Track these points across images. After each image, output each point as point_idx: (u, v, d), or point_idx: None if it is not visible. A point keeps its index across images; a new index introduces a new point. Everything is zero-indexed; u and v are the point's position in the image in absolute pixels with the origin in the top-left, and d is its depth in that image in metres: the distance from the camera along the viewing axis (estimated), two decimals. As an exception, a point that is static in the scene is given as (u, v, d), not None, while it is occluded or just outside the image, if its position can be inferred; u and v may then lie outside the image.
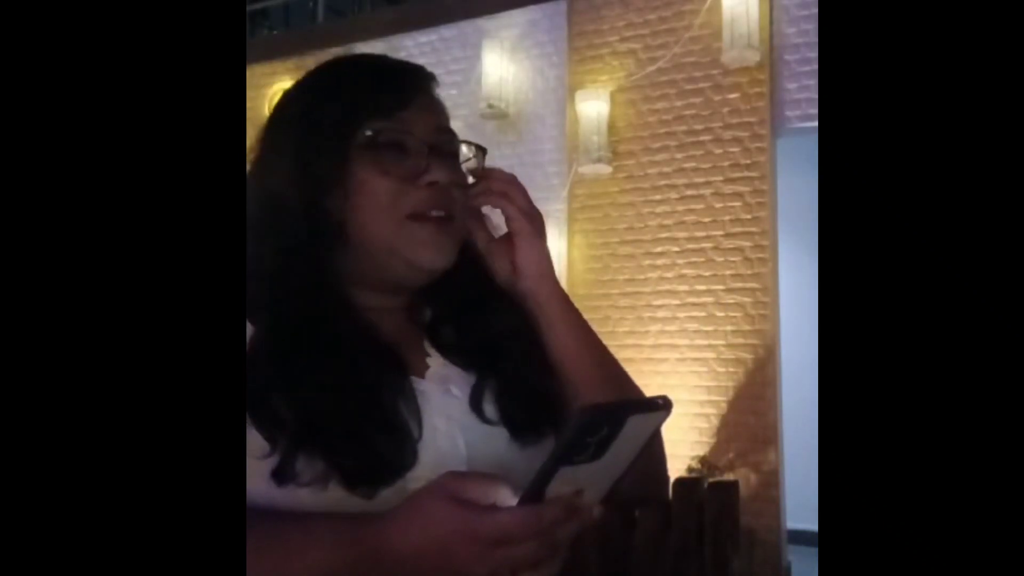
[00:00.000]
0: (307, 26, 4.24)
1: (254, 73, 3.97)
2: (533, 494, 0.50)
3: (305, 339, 0.59)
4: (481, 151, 0.70)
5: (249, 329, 0.59)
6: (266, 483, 0.55)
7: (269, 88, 3.87)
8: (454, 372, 0.67)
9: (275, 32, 4.71)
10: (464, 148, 0.69)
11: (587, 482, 0.51)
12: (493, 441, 0.64)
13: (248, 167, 0.67)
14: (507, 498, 0.50)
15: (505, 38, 3.03)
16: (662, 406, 0.52)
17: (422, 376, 0.66)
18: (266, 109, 3.83)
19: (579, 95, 2.81)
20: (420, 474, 0.57)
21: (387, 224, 0.63)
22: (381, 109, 0.64)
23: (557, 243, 2.83)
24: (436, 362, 0.67)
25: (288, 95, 0.70)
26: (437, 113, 0.68)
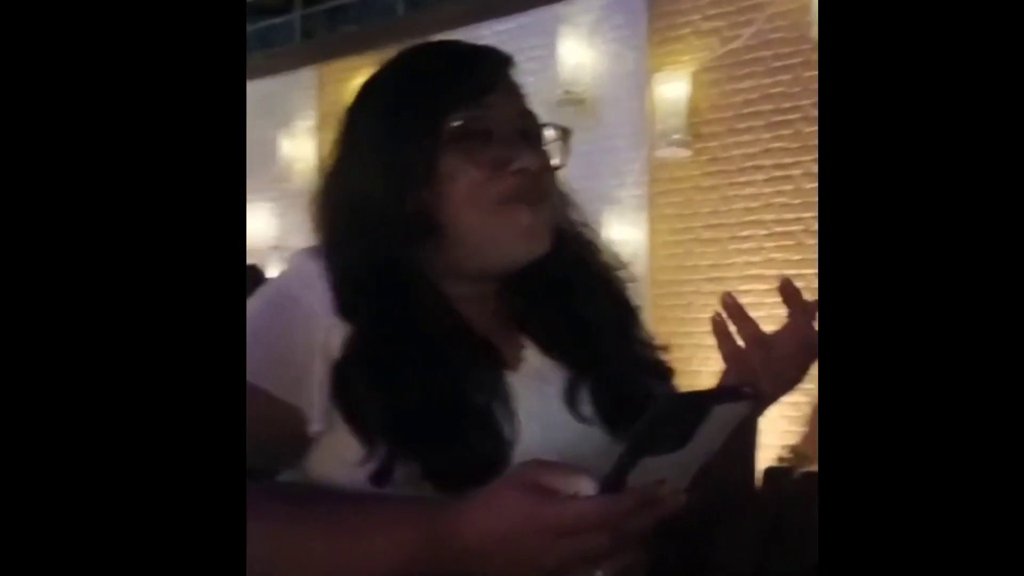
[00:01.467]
0: (384, 20, 4.32)
1: (333, 69, 4.08)
2: (612, 484, 0.48)
3: (400, 339, 0.59)
4: (565, 133, 0.68)
5: (345, 330, 0.59)
6: (364, 485, 0.55)
7: (349, 83, 3.97)
8: (549, 366, 0.65)
9: (354, 28, 4.82)
10: (549, 131, 0.67)
11: (669, 472, 0.49)
12: (590, 441, 0.62)
13: (328, 164, 0.67)
14: (588, 488, 0.49)
15: (582, 23, 2.99)
16: (748, 395, 0.50)
17: (516, 370, 0.64)
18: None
19: (658, 77, 2.75)
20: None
21: (479, 214, 0.62)
22: (466, 95, 0.63)
23: (637, 230, 2.79)
24: (531, 354, 0.65)
25: (368, 87, 0.69)
26: (520, 96, 0.67)
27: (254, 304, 0.61)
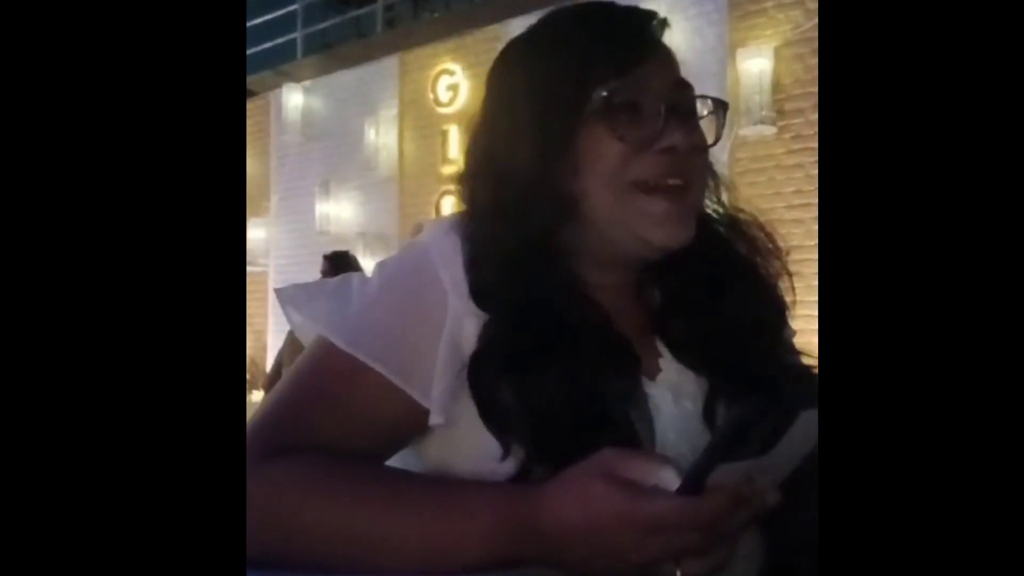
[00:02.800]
0: (465, 6, 4.36)
1: (417, 56, 4.15)
2: (691, 486, 0.46)
3: (538, 332, 0.54)
4: (721, 107, 0.60)
5: (481, 319, 0.54)
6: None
7: (432, 70, 4.03)
8: (687, 377, 0.59)
9: (436, 15, 4.87)
10: (702, 105, 0.59)
11: (755, 476, 0.47)
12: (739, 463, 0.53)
13: (474, 130, 0.61)
14: (670, 481, 0.47)
15: (662, 1, 2.94)
16: None
17: (653, 379, 0.58)
18: (429, 91, 4.00)
19: (740, 53, 2.68)
20: None
21: (617, 194, 0.55)
22: (616, 66, 0.56)
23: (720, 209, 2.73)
24: (668, 363, 0.59)
25: (511, 55, 0.61)
26: (675, 65, 0.59)
27: (381, 275, 0.57)
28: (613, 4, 0.61)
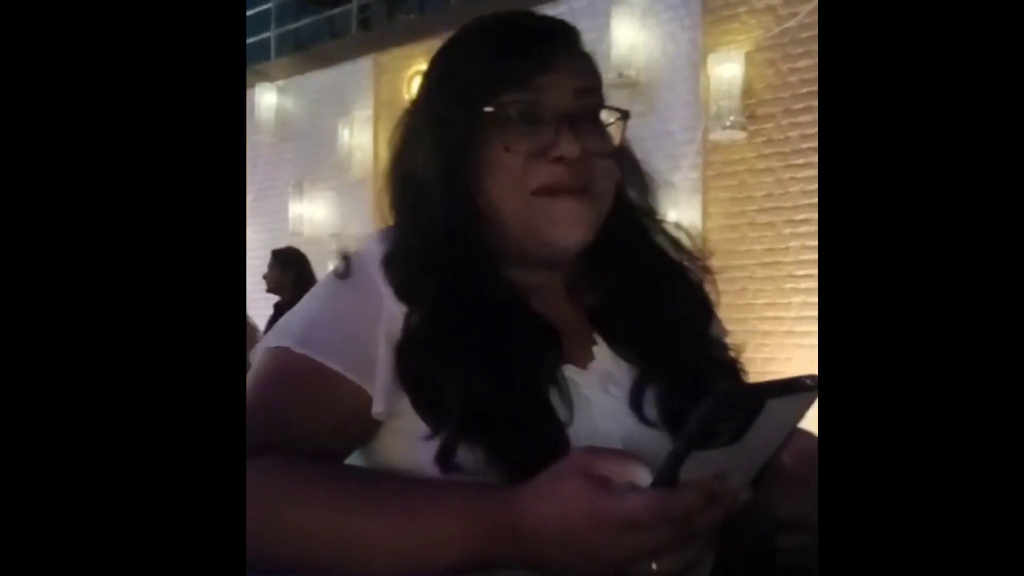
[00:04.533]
0: (440, 8, 4.35)
1: (392, 57, 4.13)
2: (664, 479, 0.47)
3: (463, 321, 0.57)
4: (623, 115, 0.64)
5: (406, 311, 0.58)
6: (429, 465, 0.54)
7: (407, 72, 4.02)
8: (618, 366, 0.62)
9: (410, 16, 4.86)
10: (604, 113, 0.63)
11: (727, 467, 0.48)
12: (657, 445, 0.58)
13: (392, 142, 0.65)
14: (642, 477, 0.47)
15: (635, 4, 2.97)
16: (809, 386, 0.47)
17: (584, 367, 0.61)
18: (403, 92, 3.99)
19: (712, 58, 2.71)
20: None
21: (516, 201, 0.59)
22: (514, 76, 0.60)
23: (691, 213, 2.76)
24: (601, 352, 0.62)
25: (430, 65, 0.65)
26: (580, 74, 0.62)
27: (324, 282, 0.62)
28: (526, 14, 0.65)
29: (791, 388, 0.47)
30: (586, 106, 0.61)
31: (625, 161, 0.66)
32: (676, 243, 0.67)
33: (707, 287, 0.68)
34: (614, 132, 0.64)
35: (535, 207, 0.59)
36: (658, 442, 0.58)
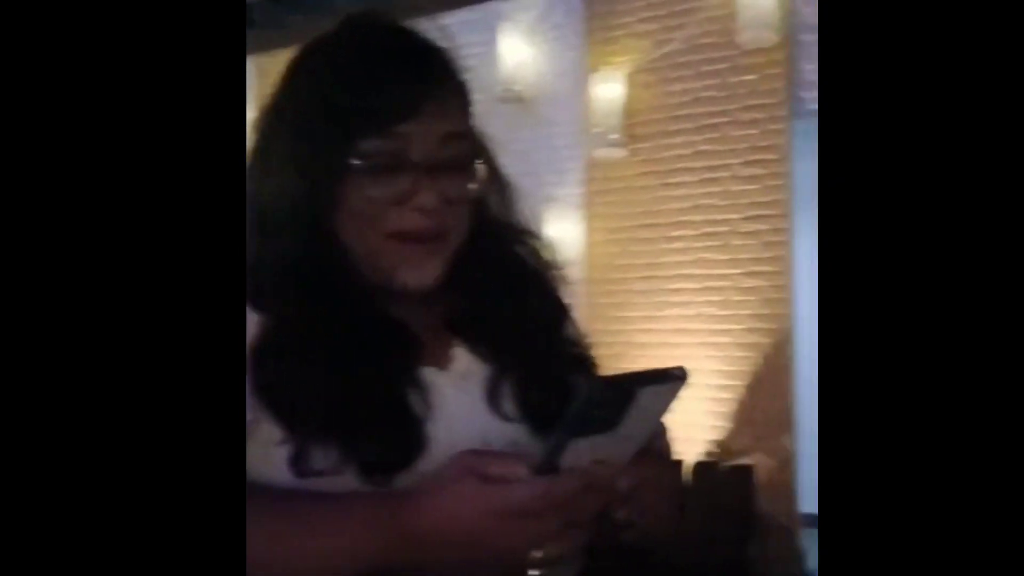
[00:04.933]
0: (327, 11, 4.24)
1: (275, 61, 3.98)
2: (545, 467, 0.50)
3: (317, 326, 0.58)
4: (488, 163, 0.66)
5: (254, 317, 0.58)
6: (287, 471, 0.55)
7: (286, 73, 3.87)
8: (477, 366, 0.65)
9: (297, 17, 4.70)
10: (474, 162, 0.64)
11: (605, 454, 0.51)
12: (514, 438, 0.63)
13: (249, 155, 0.65)
14: (524, 472, 0.50)
15: (522, 20, 3.01)
16: (677, 376, 0.51)
17: (445, 368, 0.64)
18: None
19: (595, 77, 2.79)
20: (433, 471, 0.56)
21: (370, 242, 0.61)
22: (379, 124, 0.59)
23: (574, 228, 2.83)
24: (460, 353, 0.65)
25: (291, 70, 0.66)
26: (448, 119, 0.63)
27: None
28: (401, 37, 0.65)
29: (661, 378, 0.51)
30: (452, 153, 0.62)
31: (490, 173, 0.68)
32: (536, 253, 0.71)
33: (564, 292, 0.72)
34: (479, 175, 0.65)
35: (387, 249, 0.60)
36: (516, 436, 0.62)
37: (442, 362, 0.64)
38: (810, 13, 2.53)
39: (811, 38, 2.52)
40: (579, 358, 0.71)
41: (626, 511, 0.55)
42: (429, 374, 0.62)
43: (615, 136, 2.73)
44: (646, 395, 0.50)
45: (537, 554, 0.51)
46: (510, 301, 0.67)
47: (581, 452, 0.50)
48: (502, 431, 0.63)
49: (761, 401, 2.54)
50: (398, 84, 0.60)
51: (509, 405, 0.64)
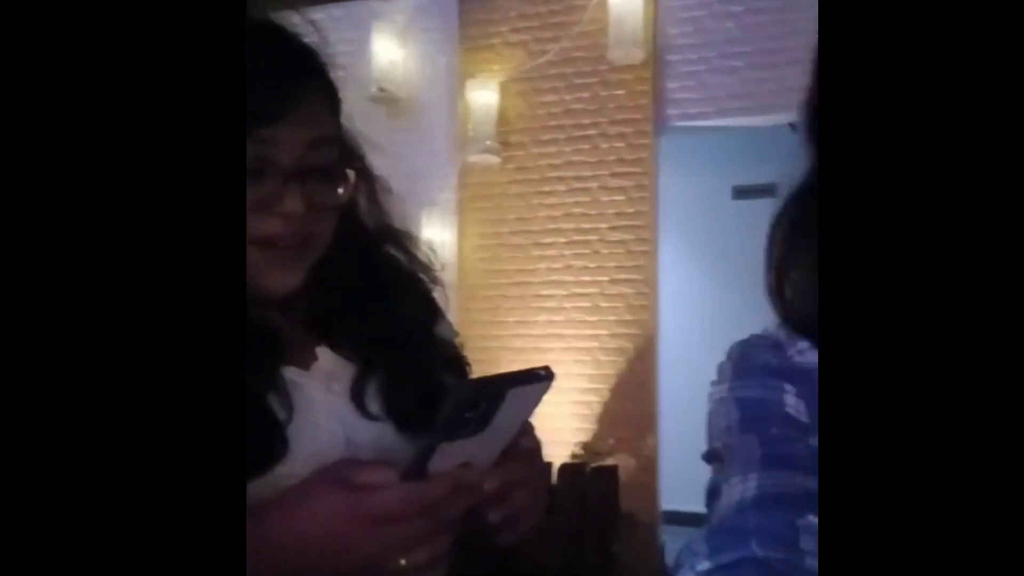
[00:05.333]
0: None
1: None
2: (414, 472, 0.50)
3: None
4: (360, 171, 0.66)
5: None
6: None
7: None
8: (341, 366, 0.65)
9: None
10: (343, 168, 0.64)
11: (471, 456, 0.52)
12: (379, 437, 0.63)
13: None
14: (391, 478, 0.50)
15: (396, 21, 2.97)
16: (544, 376, 0.52)
17: (308, 368, 0.64)
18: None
19: (469, 84, 2.80)
20: (297, 470, 0.56)
21: None
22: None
23: (447, 233, 2.82)
24: (324, 353, 0.65)
25: None
26: (315, 125, 0.61)
27: None
28: (272, 40, 0.62)
29: (529, 378, 0.52)
30: (319, 158, 0.61)
31: (361, 175, 0.67)
32: (410, 255, 0.71)
33: (437, 294, 0.72)
34: (351, 181, 0.64)
35: (250, 255, 0.59)
36: (383, 434, 0.63)
37: (306, 362, 0.64)
38: (676, 35, 2.67)
39: (676, 58, 2.66)
40: (451, 359, 0.71)
41: (497, 513, 0.56)
42: (292, 374, 0.61)
43: (489, 143, 2.75)
44: (514, 396, 0.51)
45: (403, 561, 0.50)
46: (378, 302, 0.67)
47: (449, 455, 0.50)
48: (367, 430, 0.63)
49: (626, 403, 2.64)
50: (264, 86, 0.58)
51: (374, 404, 0.64)
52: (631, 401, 2.64)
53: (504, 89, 2.81)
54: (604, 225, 2.70)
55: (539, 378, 0.53)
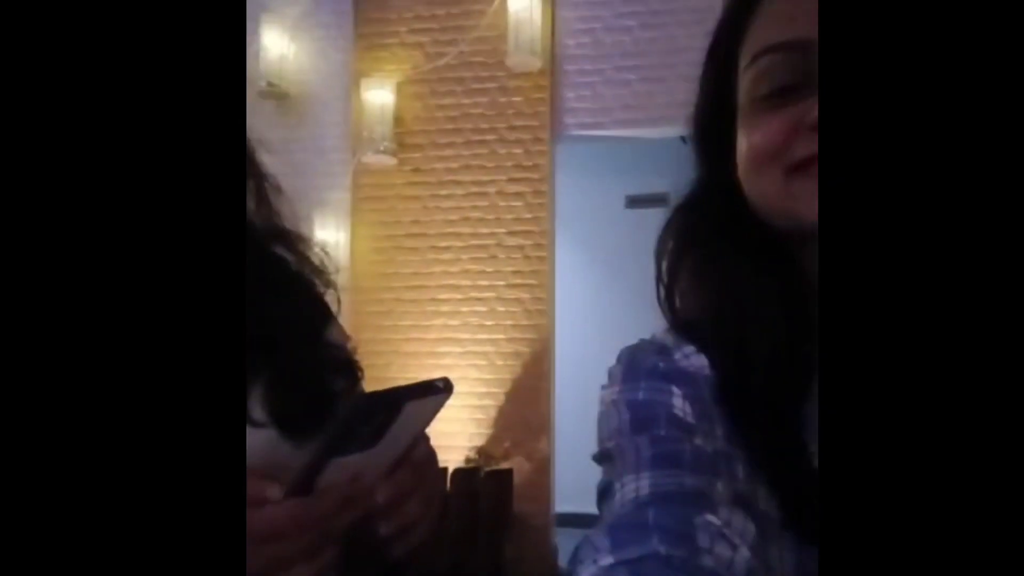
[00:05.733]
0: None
1: None
2: (301, 487, 0.48)
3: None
4: (248, 167, 0.65)
5: None
6: None
7: None
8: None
9: None
10: None
11: (362, 468, 0.50)
12: (262, 444, 0.60)
13: None
14: (276, 494, 0.49)
15: (287, 15, 2.87)
16: (442, 389, 0.51)
17: None
18: None
19: (364, 83, 2.74)
20: None
21: None
22: None
23: (340, 234, 2.74)
24: None
25: None
26: None
27: None
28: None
29: (426, 391, 0.51)
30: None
31: (249, 171, 0.65)
32: (299, 255, 0.69)
33: (327, 296, 0.71)
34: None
35: None
36: (266, 441, 0.60)
37: None
38: (572, 45, 2.72)
39: (573, 68, 2.71)
40: (341, 364, 0.69)
41: (389, 525, 0.54)
42: None
43: (385, 144, 2.70)
44: (410, 409, 0.50)
45: None
46: (264, 304, 0.64)
47: (339, 468, 0.49)
48: (251, 436, 0.60)
49: (521, 407, 2.66)
50: None
51: (257, 410, 0.61)
52: (526, 404, 2.66)
53: (400, 90, 2.77)
54: (502, 230, 2.71)
55: (437, 391, 0.51)
